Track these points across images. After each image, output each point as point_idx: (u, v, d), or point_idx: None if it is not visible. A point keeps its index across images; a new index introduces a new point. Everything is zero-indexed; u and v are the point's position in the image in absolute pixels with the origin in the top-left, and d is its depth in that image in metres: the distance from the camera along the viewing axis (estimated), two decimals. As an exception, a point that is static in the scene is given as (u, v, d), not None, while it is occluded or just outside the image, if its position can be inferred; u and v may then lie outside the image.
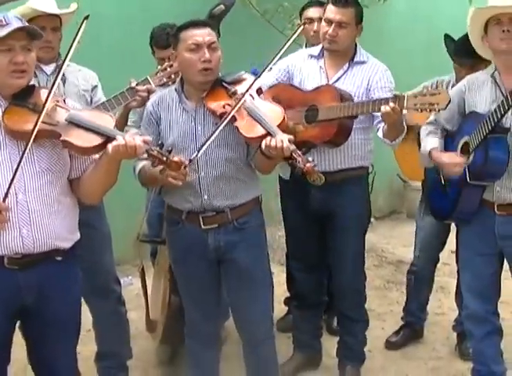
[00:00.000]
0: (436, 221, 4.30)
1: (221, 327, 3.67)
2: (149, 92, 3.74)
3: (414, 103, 3.29)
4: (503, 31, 3.41)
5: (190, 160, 3.06)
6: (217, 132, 3.13)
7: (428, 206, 4.17)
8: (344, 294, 4.09)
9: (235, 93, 3.22)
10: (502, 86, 3.48)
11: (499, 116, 3.35)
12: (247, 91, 3.19)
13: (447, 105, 3.25)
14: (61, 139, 2.73)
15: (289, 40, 3.35)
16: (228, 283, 3.46)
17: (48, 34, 3.64)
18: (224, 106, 3.18)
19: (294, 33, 3.42)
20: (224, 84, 3.27)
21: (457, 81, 4.35)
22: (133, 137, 2.72)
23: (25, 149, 2.65)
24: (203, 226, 3.32)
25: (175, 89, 3.37)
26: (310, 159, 2.98)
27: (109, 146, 2.70)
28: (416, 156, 4.17)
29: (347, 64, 3.86)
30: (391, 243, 6.49)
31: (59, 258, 2.85)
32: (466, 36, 4.20)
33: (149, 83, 3.76)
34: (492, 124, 3.38)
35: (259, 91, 3.30)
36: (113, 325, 4.00)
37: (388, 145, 3.79)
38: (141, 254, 4.28)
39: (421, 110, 3.31)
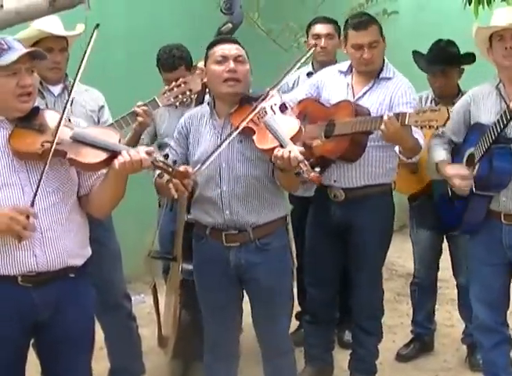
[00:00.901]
0: (428, 233, 4.47)
1: (238, 341, 3.67)
2: (148, 114, 3.78)
3: (415, 119, 3.36)
4: (506, 49, 3.47)
5: (195, 173, 3.07)
6: (223, 146, 3.15)
7: (427, 219, 4.33)
8: (361, 307, 4.12)
9: (255, 107, 3.22)
10: (507, 98, 3.52)
11: (501, 126, 3.39)
12: (257, 106, 3.19)
13: (445, 122, 3.31)
14: (67, 157, 2.77)
15: (301, 58, 3.42)
16: (250, 300, 3.49)
17: (57, 55, 3.71)
18: (247, 122, 3.19)
19: (308, 52, 3.55)
20: (249, 100, 3.28)
21: (434, 93, 4.41)
22: (137, 150, 2.76)
23: (44, 168, 2.69)
24: (225, 243, 3.34)
25: (208, 103, 3.42)
26: (317, 170, 2.99)
27: (115, 162, 2.74)
28: (402, 170, 4.25)
29: (372, 80, 3.88)
30: (402, 256, 6.48)
31: (72, 275, 2.89)
32: (434, 45, 4.29)
33: (157, 103, 3.80)
34: (495, 135, 3.42)
35: (282, 107, 3.30)
36: (124, 341, 4.04)
37: (405, 161, 3.84)
38: (152, 271, 4.33)
39: (421, 127, 3.37)
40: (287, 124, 3.17)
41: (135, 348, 4.17)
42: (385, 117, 3.44)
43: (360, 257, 3.98)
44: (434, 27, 6.97)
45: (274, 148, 3.06)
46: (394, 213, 4.07)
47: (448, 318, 5.21)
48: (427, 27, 7.13)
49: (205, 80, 3.45)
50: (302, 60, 3.50)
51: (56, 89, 3.82)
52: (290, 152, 2.96)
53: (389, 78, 3.89)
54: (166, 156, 2.86)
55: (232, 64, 3.22)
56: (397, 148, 3.77)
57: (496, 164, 3.46)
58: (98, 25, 2.86)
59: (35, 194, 2.69)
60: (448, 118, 3.30)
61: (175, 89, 3.81)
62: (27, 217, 2.64)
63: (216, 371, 3.57)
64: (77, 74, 2.90)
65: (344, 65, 4.01)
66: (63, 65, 3.80)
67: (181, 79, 3.82)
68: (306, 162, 2.94)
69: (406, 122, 3.39)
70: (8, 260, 2.76)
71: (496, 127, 3.42)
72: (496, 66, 3.61)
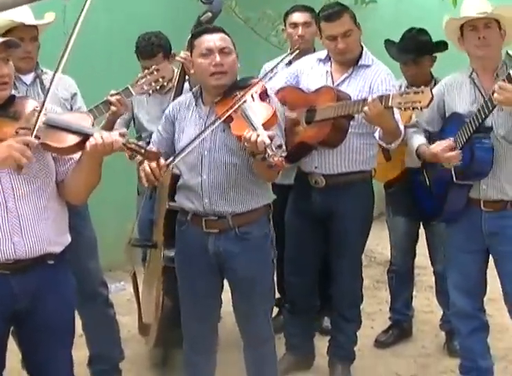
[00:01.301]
0: (404, 219, 4.53)
1: (216, 330, 3.68)
2: (121, 103, 3.76)
3: (399, 101, 3.37)
4: (479, 38, 3.48)
5: (167, 165, 3.10)
6: (203, 136, 3.18)
7: (403, 207, 4.39)
8: (342, 294, 4.15)
9: (235, 96, 3.22)
10: (481, 87, 3.55)
11: (483, 117, 3.41)
12: (240, 98, 3.19)
13: (429, 103, 3.32)
14: (40, 141, 2.75)
15: (285, 57, 3.66)
16: (230, 289, 3.50)
17: (28, 44, 3.68)
18: (227, 110, 3.19)
19: (293, 51, 3.75)
20: (234, 89, 3.28)
21: (407, 82, 4.44)
22: (109, 133, 2.76)
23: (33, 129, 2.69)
24: (204, 229, 3.35)
25: (193, 93, 3.43)
26: (283, 155, 2.95)
27: (87, 144, 2.73)
28: (378, 157, 4.25)
29: (352, 68, 3.91)
30: (381, 244, 6.52)
31: (51, 262, 2.89)
32: (405, 34, 4.31)
33: (130, 91, 3.78)
34: (477, 125, 3.44)
35: (262, 94, 3.30)
36: (102, 328, 4.04)
37: (385, 146, 3.85)
38: (132, 259, 4.33)
39: (405, 109, 3.38)
40: (261, 111, 3.17)
41: (114, 334, 4.17)
42: (369, 99, 3.46)
43: (341, 244, 4.01)
44: (413, 16, 7.00)
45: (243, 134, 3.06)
46: (374, 200, 4.10)
47: (427, 305, 5.26)
48: (407, 16, 7.14)
49: (192, 71, 3.45)
50: (286, 60, 3.57)
51: (28, 78, 3.80)
52: (258, 135, 2.95)
53: (368, 66, 3.91)
54: (139, 137, 2.85)
55: (218, 58, 3.22)
56: (377, 134, 3.79)
57: (478, 154, 3.48)
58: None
59: (36, 123, 2.69)
60: (432, 99, 3.31)
61: (148, 77, 3.79)
62: (27, 145, 2.64)
63: (195, 363, 3.59)
64: (59, 62, 2.87)
65: (323, 53, 4.03)
66: (34, 54, 3.78)
67: (153, 66, 3.81)
68: (273, 147, 2.91)
69: (390, 104, 3.41)
70: None
71: (477, 117, 3.43)
72: (469, 56, 3.63)
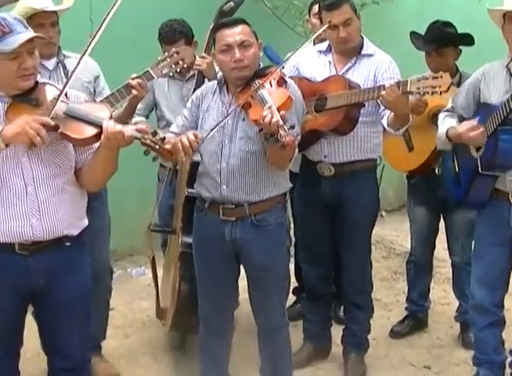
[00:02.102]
0: (425, 210, 4.53)
1: (232, 316, 3.74)
2: (142, 86, 3.78)
3: (417, 86, 3.41)
4: None
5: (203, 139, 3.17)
6: (221, 124, 3.25)
7: (420, 197, 4.46)
8: (351, 282, 4.18)
9: (254, 86, 3.29)
10: None
11: (508, 109, 3.41)
12: (259, 86, 3.25)
13: (449, 87, 3.35)
14: (59, 131, 2.83)
15: (306, 42, 3.59)
16: (246, 275, 3.56)
17: (48, 30, 3.73)
18: (247, 98, 3.26)
19: (319, 30, 3.70)
20: (255, 78, 3.33)
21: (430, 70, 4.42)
22: (126, 127, 2.82)
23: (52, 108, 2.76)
24: (221, 217, 3.41)
25: (218, 81, 3.49)
26: (296, 135, 3.04)
27: (102, 136, 2.81)
28: (399, 147, 4.35)
29: (354, 57, 3.95)
30: (401, 235, 6.57)
31: (68, 244, 2.98)
32: (430, 25, 4.31)
33: (151, 74, 3.78)
34: (502, 117, 3.44)
35: (280, 80, 3.34)
36: (96, 310, 4.08)
37: (391, 134, 3.88)
38: (151, 244, 4.40)
39: (423, 94, 3.43)
40: (277, 95, 3.22)
41: (103, 318, 4.24)
42: (387, 85, 3.50)
43: (349, 232, 4.04)
44: (438, 9, 6.98)
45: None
46: (379, 188, 4.16)
47: (444, 297, 5.27)
48: (431, 9, 7.13)
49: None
50: (306, 44, 3.61)
51: (50, 64, 3.86)
52: (271, 117, 3.00)
53: (370, 55, 3.95)
54: (154, 133, 2.91)
55: (237, 54, 3.26)
56: (385, 121, 3.82)
57: (501, 146, 3.48)
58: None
59: (52, 110, 2.76)
60: (452, 84, 3.33)
61: (168, 60, 3.80)
62: (43, 125, 2.72)
63: (210, 345, 3.65)
64: (85, 51, 2.95)
65: (323, 45, 4.07)
66: (56, 39, 3.84)
67: (173, 49, 3.84)
68: (286, 127, 2.98)
69: (408, 89, 3.45)
70: (6, 229, 2.84)
71: (504, 109, 3.44)
72: (508, 45, 3.60)
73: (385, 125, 3.85)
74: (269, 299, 3.52)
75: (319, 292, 4.31)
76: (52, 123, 2.76)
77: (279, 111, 3.07)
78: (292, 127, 3.03)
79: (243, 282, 3.66)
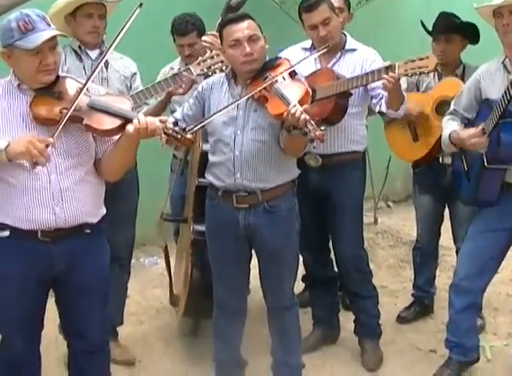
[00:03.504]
0: (430, 198, 4.63)
1: (246, 298, 3.86)
2: (193, 82, 3.93)
3: (405, 68, 3.58)
4: (503, 25, 3.58)
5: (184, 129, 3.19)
6: (226, 109, 3.36)
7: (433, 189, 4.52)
8: (347, 271, 4.28)
9: (266, 78, 3.39)
10: None
11: (506, 102, 3.48)
12: (268, 77, 3.36)
13: (435, 67, 3.54)
14: (84, 123, 2.95)
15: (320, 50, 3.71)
16: (257, 258, 3.68)
17: (95, 20, 3.95)
18: (260, 91, 3.36)
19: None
20: (264, 70, 3.44)
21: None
22: (152, 119, 2.94)
23: (56, 128, 2.86)
24: (235, 204, 3.52)
25: (226, 74, 3.59)
26: (322, 128, 3.15)
27: (130, 127, 2.91)
28: (405, 137, 4.45)
29: (339, 52, 4.07)
30: (407, 225, 6.65)
31: (87, 231, 3.10)
32: (438, 16, 4.43)
33: (192, 72, 3.94)
34: (502, 110, 3.51)
35: (292, 73, 3.45)
36: (112, 290, 4.21)
37: (394, 116, 3.99)
38: (164, 233, 4.51)
39: (411, 75, 3.61)
40: (295, 89, 3.34)
41: (121, 299, 4.36)
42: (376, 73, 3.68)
43: (337, 222, 4.17)
44: (446, 3, 7.05)
45: (283, 112, 3.21)
46: (365, 179, 4.29)
47: (450, 283, 5.35)
48: (439, 3, 7.20)
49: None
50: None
51: (94, 53, 4.04)
52: (300, 112, 3.13)
53: (354, 49, 4.08)
54: (175, 123, 3.03)
55: (247, 48, 3.37)
56: (384, 107, 3.94)
57: (504, 138, 3.56)
58: (141, 4, 2.99)
59: (57, 129, 2.85)
60: (438, 75, 3.43)
61: (209, 60, 3.96)
62: (46, 146, 2.81)
63: (224, 326, 3.77)
64: (112, 43, 3.06)
65: (307, 43, 4.17)
66: (101, 30, 4.01)
67: (214, 51, 3.96)
68: (312, 122, 3.11)
69: (396, 72, 3.60)
70: (31, 216, 2.96)
71: (502, 102, 3.51)
72: (502, 43, 3.71)
73: (384, 110, 3.96)
74: (280, 280, 3.65)
75: (321, 278, 4.43)
76: (53, 141, 2.82)
77: (301, 105, 3.18)
78: (318, 121, 3.15)
79: (254, 270, 3.77)
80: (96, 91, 3.14)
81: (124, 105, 3.05)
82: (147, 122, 2.91)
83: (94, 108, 2.98)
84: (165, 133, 2.98)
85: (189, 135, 3.02)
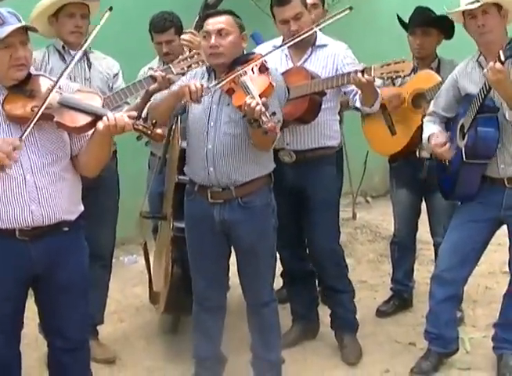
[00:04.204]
0: (407, 192, 4.66)
1: (225, 293, 3.88)
2: (165, 79, 3.92)
3: (381, 72, 3.62)
4: (478, 27, 3.59)
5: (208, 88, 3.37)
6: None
7: (406, 182, 4.58)
8: (322, 266, 4.31)
9: (237, 70, 3.43)
10: None
11: (482, 96, 3.53)
12: (238, 70, 3.39)
13: (411, 72, 3.60)
14: (54, 120, 2.95)
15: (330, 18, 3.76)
16: (235, 254, 3.71)
17: (78, 20, 3.95)
18: (230, 83, 3.41)
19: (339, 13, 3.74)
20: (237, 64, 3.48)
21: (413, 55, 4.54)
22: (121, 115, 2.95)
23: (25, 129, 2.86)
24: (210, 200, 3.55)
25: (206, 67, 3.64)
26: (276, 120, 3.19)
27: (100, 125, 2.93)
28: (382, 131, 4.48)
29: (310, 49, 4.10)
30: (386, 220, 6.66)
31: (66, 229, 3.10)
32: (414, 11, 4.51)
33: (172, 71, 3.95)
34: (479, 105, 3.56)
35: (262, 67, 3.47)
36: (93, 289, 4.20)
37: (369, 111, 4.06)
38: (143, 231, 4.52)
39: (387, 78, 3.65)
40: (259, 82, 3.37)
41: (101, 299, 4.36)
42: (353, 74, 3.70)
43: (313, 217, 4.19)
44: (423, 2, 7.09)
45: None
46: (342, 175, 4.36)
47: (429, 277, 5.20)
48: (416, 2, 7.23)
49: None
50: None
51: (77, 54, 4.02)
52: (256, 104, 3.16)
53: (325, 45, 4.11)
54: (145, 119, 3.05)
55: (212, 40, 3.44)
56: (358, 103, 4.00)
57: (480, 132, 3.61)
58: (111, 8, 3.09)
59: (27, 129, 2.85)
60: (413, 68, 3.59)
61: (189, 59, 3.97)
62: (14, 149, 2.81)
63: (203, 322, 3.78)
64: (82, 45, 3.15)
65: (278, 40, 4.18)
66: (84, 30, 4.00)
67: (194, 50, 3.98)
68: (268, 114, 3.14)
69: (372, 75, 3.64)
70: (7, 215, 2.96)
71: (479, 97, 3.56)
72: (475, 41, 3.74)
73: (359, 105, 4.01)
74: (258, 276, 3.67)
75: (298, 273, 4.45)
76: (19, 144, 2.82)
77: (260, 98, 3.21)
78: (273, 113, 3.18)
79: (233, 267, 3.79)
80: (69, 88, 3.14)
81: (95, 101, 3.06)
82: (116, 118, 2.92)
83: (64, 105, 2.98)
84: (135, 129, 3.01)
85: (158, 130, 3.07)
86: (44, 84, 3.05)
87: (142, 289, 5.02)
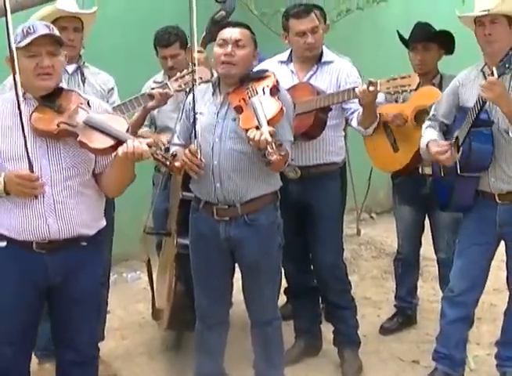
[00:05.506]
0: (410, 208, 4.65)
1: (228, 310, 3.85)
2: (162, 96, 3.95)
3: (387, 86, 3.63)
4: (485, 35, 3.60)
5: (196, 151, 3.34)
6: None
7: (405, 196, 4.61)
8: (325, 282, 4.30)
9: (248, 88, 3.42)
10: None
11: (477, 110, 3.52)
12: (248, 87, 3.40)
13: (417, 86, 3.62)
14: (78, 139, 2.98)
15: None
16: (240, 271, 3.69)
17: (70, 33, 3.94)
18: (239, 100, 3.40)
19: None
20: (248, 80, 3.48)
21: (415, 70, 4.49)
22: (140, 142, 2.96)
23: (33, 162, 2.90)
24: (215, 217, 3.53)
25: (211, 82, 3.64)
26: (283, 153, 3.16)
27: (119, 150, 2.95)
28: (384, 148, 4.47)
29: (315, 65, 4.12)
30: (391, 236, 6.60)
31: (84, 244, 3.12)
32: (414, 26, 4.50)
33: (169, 87, 3.98)
34: (473, 118, 3.55)
35: (273, 89, 3.46)
36: None
37: (362, 133, 4.09)
38: (147, 247, 4.51)
39: (394, 93, 3.68)
40: (269, 106, 3.34)
41: (100, 315, 4.28)
42: (359, 88, 3.70)
43: (316, 233, 4.19)
44: (423, 13, 7.10)
45: (250, 128, 3.25)
46: (346, 190, 4.36)
47: (433, 294, 5.35)
48: (417, 14, 7.25)
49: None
50: None
51: (70, 68, 4.05)
52: (260, 135, 3.15)
53: (330, 62, 4.13)
54: (167, 149, 3.06)
55: (229, 48, 3.43)
56: (355, 122, 4.02)
57: (474, 146, 3.60)
58: None
59: (29, 161, 2.88)
60: (420, 82, 3.58)
61: (187, 77, 3.98)
62: (31, 180, 2.87)
63: (206, 338, 3.76)
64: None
65: (284, 55, 4.22)
66: (77, 44, 4.02)
67: (192, 68, 3.98)
68: (274, 145, 3.11)
69: (378, 89, 3.66)
70: (25, 227, 2.99)
71: (474, 110, 3.55)
72: (481, 49, 3.74)
73: (355, 125, 4.03)
74: (262, 293, 3.65)
75: (303, 289, 4.44)
76: (35, 176, 2.90)
77: (269, 124, 3.20)
78: (280, 145, 3.15)
79: (237, 283, 3.78)
80: (98, 107, 3.17)
81: (121, 125, 3.07)
82: (134, 146, 2.94)
83: (89, 125, 3.01)
84: (154, 158, 3.04)
85: (177, 163, 3.08)
86: (74, 100, 3.09)
87: (145, 306, 5.00)
